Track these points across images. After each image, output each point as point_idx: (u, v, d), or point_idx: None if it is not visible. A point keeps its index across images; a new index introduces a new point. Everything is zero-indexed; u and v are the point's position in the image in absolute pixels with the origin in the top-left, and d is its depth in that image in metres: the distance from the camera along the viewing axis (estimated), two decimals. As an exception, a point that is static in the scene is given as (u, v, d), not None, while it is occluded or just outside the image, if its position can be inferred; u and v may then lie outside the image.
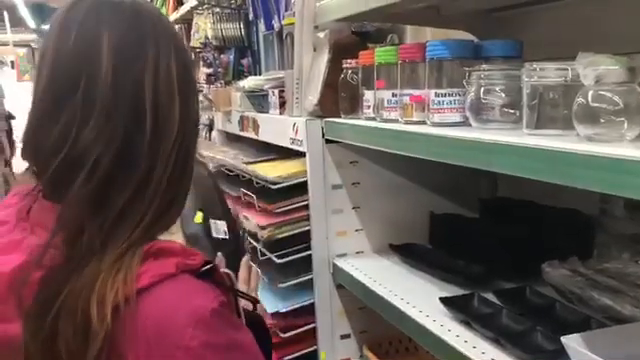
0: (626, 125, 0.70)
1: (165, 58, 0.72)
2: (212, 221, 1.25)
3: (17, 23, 10.30)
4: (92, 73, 0.68)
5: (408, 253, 1.46)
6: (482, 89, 0.96)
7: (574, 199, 1.15)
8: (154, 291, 0.67)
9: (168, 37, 0.74)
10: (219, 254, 1.18)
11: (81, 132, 0.68)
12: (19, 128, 5.34)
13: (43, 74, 0.71)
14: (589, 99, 0.72)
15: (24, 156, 0.74)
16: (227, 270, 0.80)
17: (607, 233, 1.14)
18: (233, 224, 1.29)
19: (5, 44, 9.82)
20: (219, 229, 1.25)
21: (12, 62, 10.31)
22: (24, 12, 9.88)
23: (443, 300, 1.12)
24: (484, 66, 0.98)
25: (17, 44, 10.34)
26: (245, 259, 1.19)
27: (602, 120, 0.71)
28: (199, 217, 1.24)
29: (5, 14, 9.47)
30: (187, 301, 0.68)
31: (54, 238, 0.67)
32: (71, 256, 0.67)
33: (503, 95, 0.94)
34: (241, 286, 1.14)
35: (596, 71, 0.72)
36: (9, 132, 4.86)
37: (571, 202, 1.23)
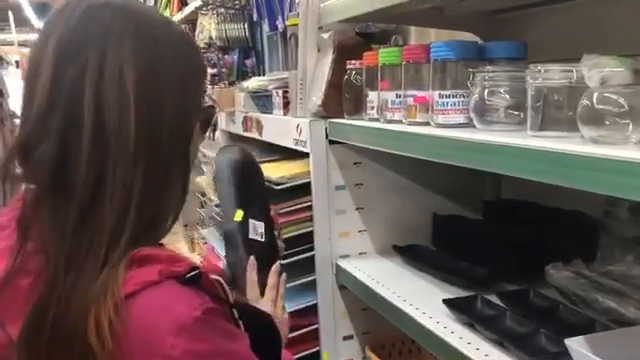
0: (631, 127, 0.70)
1: (115, 63, 0.68)
2: (251, 221, 1.22)
3: (22, 23, 10.33)
4: (35, 77, 0.68)
5: (411, 254, 1.46)
6: (486, 90, 0.96)
7: (578, 201, 1.15)
8: (137, 298, 0.66)
9: (129, 38, 0.70)
10: (251, 257, 1.17)
11: (22, 134, 0.69)
12: (23, 127, 5.34)
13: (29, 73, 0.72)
14: (594, 101, 0.72)
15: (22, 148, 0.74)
16: (217, 277, 0.78)
17: (611, 235, 1.14)
18: (271, 227, 1.27)
19: (10, 44, 9.84)
20: (257, 230, 1.22)
21: (17, 62, 10.34)
22: (29, 12, 9.91)
23: (446, 302, 1.12)
24: (488, 67, 0.98)
25: (22, 44, 10.36)
26: (276, 266, 1.18)
27: (607, 122, 0.71)
28: (239, 215, 1.21)
29: (10, 14, 9.50)
30: (169, 308, 0.66)
31: (21, 246, 0.67)
32: (55, 267, 0.66)
33: (507, 97, 0.94)
34: (269, 292, 1.15)
35: (601, 73, 0.71)
36: (13, 132, 4.88)
37: (575, 204, 1.23)
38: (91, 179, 0.67)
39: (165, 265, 0.69)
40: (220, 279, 0.78)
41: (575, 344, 0.80)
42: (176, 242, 5.70)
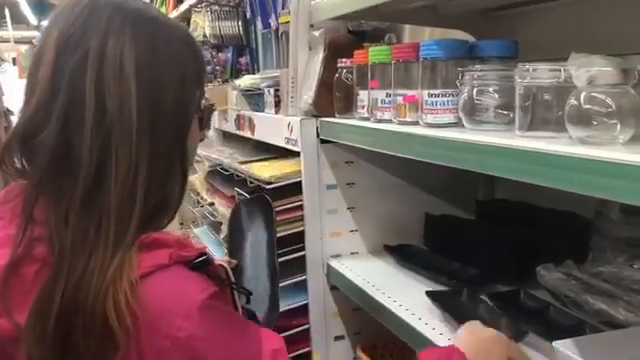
0: (619, 128, 0.69)
1: (115, 45, 0.70)
2: None
3: (19, 20, 10.30)
4: (37, 69, 0.71)
5: (403, 254, 1.45)
6: (475, 90, 0.95)
7: (571, 201, 1.14)
8: (147, 281, 0.68)
9: (122, 23, 0.72)
10: None
11: (30, 117, 0.70)
12: (19, 125, 5.33)
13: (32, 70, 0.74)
14: (581, 101, 0.71)
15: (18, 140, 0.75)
16: (223, 262, 0.81)
17: (603, 236, 1.13)
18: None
19: (6, 41, 9.81)
20: None
21: (14, 59, 10.31)
22: (25, 9, 9.88)
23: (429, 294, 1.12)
24: (477, 66, 0.96)
25: (18, 41, 10.33)
26: None
27: (595, 122, 0.70)
28: None
29: (6, 11, 9.46)
30: (178, 292, 0.69)
31: (24, 233, 0.68)
32: (61, 252, 0.67)
33: (497, 96, 0.93)
34: None
35: (589, 72, 0.70)
36: (8, 128, 4.86)
37: (568, 204, 1.22)
38: (94, 162, 0.68)
39: (175, 249, 0.71)
40: (225, 264, 0.81)
41: (563, 346, 0.79)
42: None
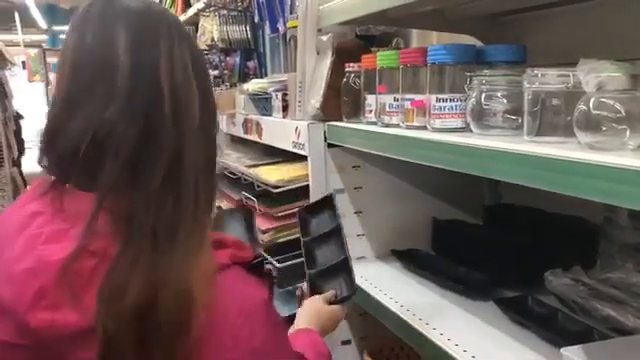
0: (628, 133, 0.68)
1: (178, 48, 0.76)
2: None
3: (28, 24, 10.38)
4: (112, 64, 0.72)
5: (410, 259, 1.44)
6: (483, 94, 0.94)
7: (579, 207, 1.13)
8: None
9: (178, 31, 0.78)
10: None
11: (104, 115, 0.70)
12: (28, 128, 5.37)
13: (65, 72, 0.74)
14: (590, 106, 0.71)
15: (47, 151, 0.75)
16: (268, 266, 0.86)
17: (611, 242, 1.12)
18: None
19: (16, 45, 9.89)
20: None
21: (23, 62, 10.38)
22: (35, 13, 9.95)
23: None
24: (486, 71, 0.96)
25: (28, 45, 10.40)
26: None
27: (604, 128, 0.70)
28: None
29: (16, 15, 9.54)
30: (240, 292, 0.72)
31: (93, 224, 0.68)
32: (128, 242, 0.68)
33: (505, 101, 0.93)
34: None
35: (598, 78, 0.70)
36: (17, 132, 4.89)
37: (576, 210, 1.21)
38: (172, 152, 0.72)
39: (233, 250, 0.75)
40: (269, 267, 0.86)
41: (571, 353, 0.79)
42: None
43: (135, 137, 0.71)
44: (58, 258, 0.67)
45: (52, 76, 9.18)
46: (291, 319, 1.41)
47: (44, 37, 11.34)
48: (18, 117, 5.08)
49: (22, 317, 0.67)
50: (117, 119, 0.70)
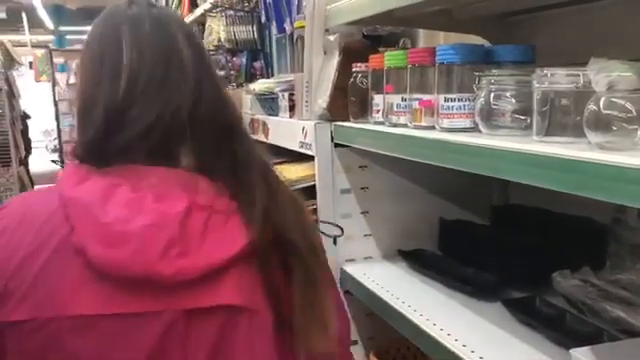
0: (639, 133, 0.68)
1: (204, 45, 0.99)
2: None
3: (35, 24, 10.43)
4: (177, 52, 0.82)
5: (417, 259, 1.44)
6: (492, 94, 0.94)
7: (588, 207, 1.13)
8: None
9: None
10: None
11: (181, 95, 0.80)
12: (34, 128, 5.38)
13: (135, 57, 0.80)
14: (601, 106, 0.70)
15: (111, 137, 0.78)
16: None
17: (621, 243, 1.11)
18: None
19: (23, 45, 9.93)
20: None
21: (30, 63, 10.43)
22: (42, 13, 10.00)
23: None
24: (494, 71, 0.96)
25: (35, 45, 10.45)
26: None
27: (614, 128, 0.69)
28: None
29: (23, 15, 9.58)
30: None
31: (200, 184, 0.77)
32: (239, 193, 0.78)
33: (513, 101, 0.92)
34: None
35: (608, 77, 0.70)
36: (24, 131, 4.91)
37: (585, 210, 1.21)
38: (224, 117, 0.84)
39: None
40: None
41: (581, 355, 0.78)
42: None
43: (214, 113, 0.82)
44: (176, 212, 0.72)
45: (59, 76, 9.21)
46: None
47: (50, 37, 11.38)
48: (25, 117, 5.11)
49: (152, 268, 0.70)
50: (191, 98, 0.80)
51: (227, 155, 0.81)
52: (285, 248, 0.79)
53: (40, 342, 0.70)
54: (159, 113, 0.77)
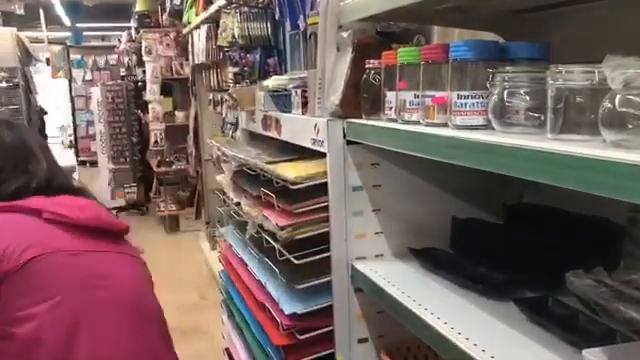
0: (655, 131, 0.67)
1: None
2: None
3: (52, 21, 10.53)
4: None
5: (428, 258, 1.43)
6: (506, 92, 0.93)
7: (602, 207, 1.11)
8: None
9: None
10: None
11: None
12: (51, 124, 5.44)
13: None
14: (616, 103, 0.69)
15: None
16: None
17: (635, 243, 1.10)
18: None
19: (41, 41, 10.03)
20: None
21: (47, 59, 10.54)
22: (59, 10, 10.10)
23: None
24: (508, 68, 0.95)
25: (52, 41, 10.55)
26: None
27: (630, 126, 0.68)
28: None
29: (41, 12, 9.68)
30: None
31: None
32: None
33: (528, 98, 0.91)
34: None
35: (624, 74, 0.69)
36: (41, 127, 4.97)
37: (599, 210, 1.19)
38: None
39: None
40: None
41: (594, 356, 0.77)
42: (199, 239, 5.76)
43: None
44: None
45: (75, 72, 9.30)
46: (307, 315, 1.43)
47: (67, 34, 11.49)
48: (42, 112, 5.16)
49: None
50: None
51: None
52: None
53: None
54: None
